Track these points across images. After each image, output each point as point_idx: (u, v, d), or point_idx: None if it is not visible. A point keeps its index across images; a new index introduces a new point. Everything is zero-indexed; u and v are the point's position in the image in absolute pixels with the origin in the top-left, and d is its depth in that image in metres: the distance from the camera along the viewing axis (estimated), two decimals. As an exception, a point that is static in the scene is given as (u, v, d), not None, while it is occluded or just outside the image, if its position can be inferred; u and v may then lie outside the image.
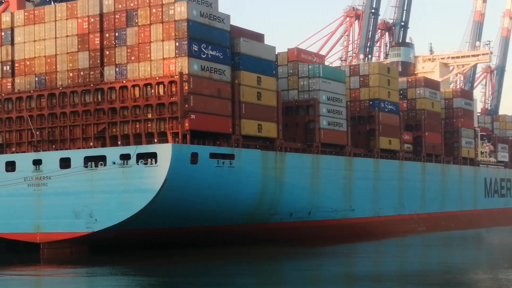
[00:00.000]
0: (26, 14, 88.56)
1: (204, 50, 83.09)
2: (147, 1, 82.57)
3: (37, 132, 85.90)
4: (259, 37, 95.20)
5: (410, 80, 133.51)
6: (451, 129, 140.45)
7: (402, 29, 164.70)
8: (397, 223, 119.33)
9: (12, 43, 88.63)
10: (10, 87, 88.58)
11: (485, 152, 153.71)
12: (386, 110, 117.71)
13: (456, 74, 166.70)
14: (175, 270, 70.87)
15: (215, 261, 76.96)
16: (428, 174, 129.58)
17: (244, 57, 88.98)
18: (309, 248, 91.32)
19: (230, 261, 77.20)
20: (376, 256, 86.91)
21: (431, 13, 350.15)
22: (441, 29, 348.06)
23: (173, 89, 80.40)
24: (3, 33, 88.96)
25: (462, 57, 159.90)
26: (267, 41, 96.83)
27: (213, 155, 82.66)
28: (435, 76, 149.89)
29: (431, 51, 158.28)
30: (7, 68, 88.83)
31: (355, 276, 64.82)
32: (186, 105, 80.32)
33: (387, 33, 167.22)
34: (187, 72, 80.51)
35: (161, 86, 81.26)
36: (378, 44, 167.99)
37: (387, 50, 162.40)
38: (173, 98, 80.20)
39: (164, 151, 78.29)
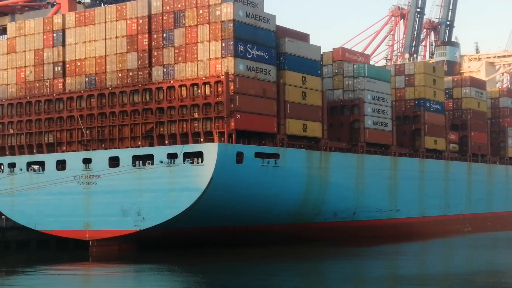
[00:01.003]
0: (77, 16, 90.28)
1: (249, 50, 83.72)
2: (194, 2, 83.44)
3: (87, 132, 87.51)
4: (304, 37, 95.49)
5: (455, 79, 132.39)
6: (497, 128, 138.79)
7: (448, 28, 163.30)
8: (442, 223, 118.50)
9: (64, 44, 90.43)
10: (61, 87, 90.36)
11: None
12: (432, 109, 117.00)
13: (502, 73, 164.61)
14: (220, 268, 71.69)
15: (260, 260, 77.53)
16: (474, 174, 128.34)
17: (289, 57, 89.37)
18: (353, 248, 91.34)
19: (274, 261, 77.65)
20: (421, 256, 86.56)
21: (477, 12, 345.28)
22: (487, 28, 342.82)
23: (219, 89, 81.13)
24: (54, 35, 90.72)
25: (509, 56, 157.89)
26: (312, 40, 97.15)
27: (258, 155, 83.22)
28: (481, 76, 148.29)
29: (477, 50, 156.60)
30: (58, 68, 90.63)
31: (400, 277, 64.76)
32: (232, 105, 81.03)
33: (432, 32, 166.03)
34: (233, 72, 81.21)
35: (207, 86, 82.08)
36: (423, 43, 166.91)
37: (433, 49, 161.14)
38: (219, 98, 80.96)
39: (210, 150, 79.13)
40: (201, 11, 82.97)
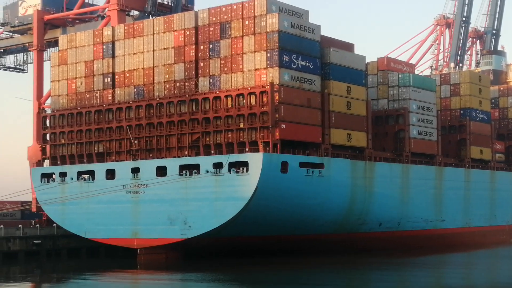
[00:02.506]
0: (126, 28, 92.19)
1: (294, 60, 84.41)
2: (240, 13, 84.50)
3: (136, 141, 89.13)
4: (349, 47, 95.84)
5: (502, 88, 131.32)
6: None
7: (494, 37, 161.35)
8: (488, 234, 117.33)
9: (113, 56, 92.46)
10: (110, 98, 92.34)
11: None
12: (478, 119, 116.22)
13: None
14: (266, 277, 72.22)
15: (304, 270, 77.80)
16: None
17: (333, 66, 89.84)
18: (398, 259, 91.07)
19: (318, 270, 77.95)
20: (467, 267, 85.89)
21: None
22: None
23: (264, 99, 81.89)
24: (104, 47, 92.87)
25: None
26: (357, 50, 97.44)
27: (302, 164, 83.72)
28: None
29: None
30: (108, 80, 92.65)
31: (446, 288, 64.63)
32: (277, 115, 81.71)
33: (478, 41, 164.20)
34: (278, 82, 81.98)
35: (252, 96, 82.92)
36: (469, 52, 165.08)
37: (478, 58, 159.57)
38: (264, 108, 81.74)
39: (255, 160, 79.89)
40: (246, 22, 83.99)
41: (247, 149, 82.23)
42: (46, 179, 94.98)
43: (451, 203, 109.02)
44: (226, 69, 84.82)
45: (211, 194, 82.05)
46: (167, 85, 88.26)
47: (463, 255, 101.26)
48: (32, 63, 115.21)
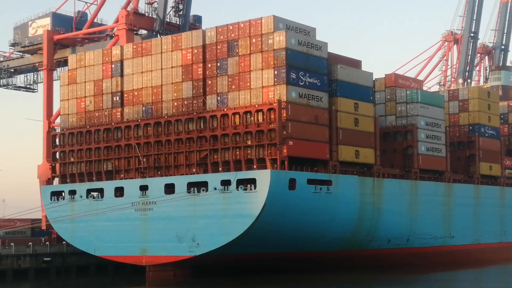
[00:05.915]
0: (134, 47, 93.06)
1: (302, 77, 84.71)
2: (247, 31, 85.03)
3: (144, 159, 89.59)
4: (356, 64, 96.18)
5: (511, 104, 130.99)
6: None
7: (502, 52, 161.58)
8: (498, 250, 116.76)
9: (122, 75, 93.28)
10: (119, 116, 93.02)
11: None
12: (487, 135, 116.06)
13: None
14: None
15: (313, 287, 77.63)
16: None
17: (341, 83, 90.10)
18: (407, 275, 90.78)
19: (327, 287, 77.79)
20: (477, 284, 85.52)
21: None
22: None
23: (272, 116, 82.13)
24: (113, 66, 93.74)
25: None
26: (364, 67, 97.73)
27: (310, 181, 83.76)
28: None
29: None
30: (117, 98, 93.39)
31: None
32: (284, 132, 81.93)
33: (486, 57, 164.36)
34: (285, 100, 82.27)
35: (260, 114, 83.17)
36: (477, 68, 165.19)
37: (487, 74, 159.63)
38: (272, 125, 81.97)
39: (263, 177, 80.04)
40: (254, 40, 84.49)
41: (254, 166, 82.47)
42: (55, 197, 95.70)
43: (461, 220, 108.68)
44: (233, 86, 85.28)
45: (219, 211, 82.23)
46: (175, 103, 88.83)
47: (472, 272, 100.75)
48: (42, 82, 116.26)
